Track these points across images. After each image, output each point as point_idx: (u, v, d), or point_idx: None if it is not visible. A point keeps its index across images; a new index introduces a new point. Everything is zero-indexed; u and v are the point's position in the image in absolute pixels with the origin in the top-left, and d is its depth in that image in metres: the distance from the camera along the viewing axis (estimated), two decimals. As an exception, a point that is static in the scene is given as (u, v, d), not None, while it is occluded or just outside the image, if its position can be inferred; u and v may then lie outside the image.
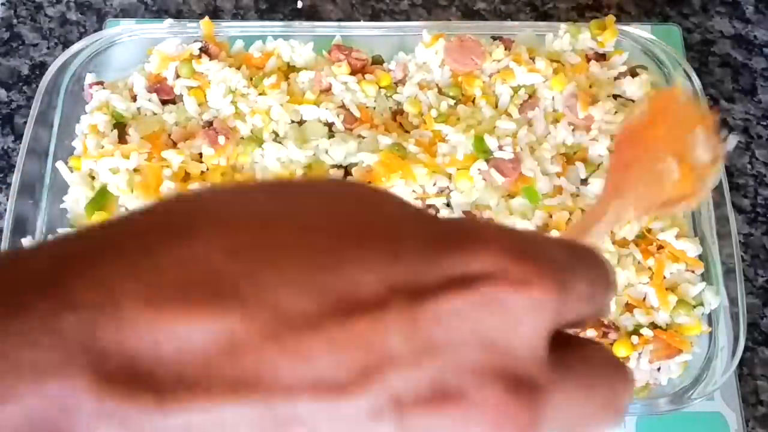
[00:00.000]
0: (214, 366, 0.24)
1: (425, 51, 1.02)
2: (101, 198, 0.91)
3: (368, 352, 0.24)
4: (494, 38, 1.04)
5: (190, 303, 0.24)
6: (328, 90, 1.00)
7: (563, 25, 1.03)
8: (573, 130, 0.95)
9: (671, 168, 0.62)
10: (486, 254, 0.27)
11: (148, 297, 0.25)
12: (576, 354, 0.30)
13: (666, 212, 0.67)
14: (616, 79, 1.00)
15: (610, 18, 1.02)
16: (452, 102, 0.98)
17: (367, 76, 1.00)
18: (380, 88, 0.99)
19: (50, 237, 0.91)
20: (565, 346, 0.29)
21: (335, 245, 0.26)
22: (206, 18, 1.05)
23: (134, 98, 0.99)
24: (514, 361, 0.26)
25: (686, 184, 0.62)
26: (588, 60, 1.01)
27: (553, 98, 0.97)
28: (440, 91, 0.99)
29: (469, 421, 0.25)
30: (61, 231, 0.91)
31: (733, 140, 0.70)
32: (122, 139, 0.94)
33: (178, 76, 1.00)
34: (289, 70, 1.03)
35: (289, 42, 1.03)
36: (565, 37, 1.01)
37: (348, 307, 0.25)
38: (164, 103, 1.00)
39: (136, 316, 0.24)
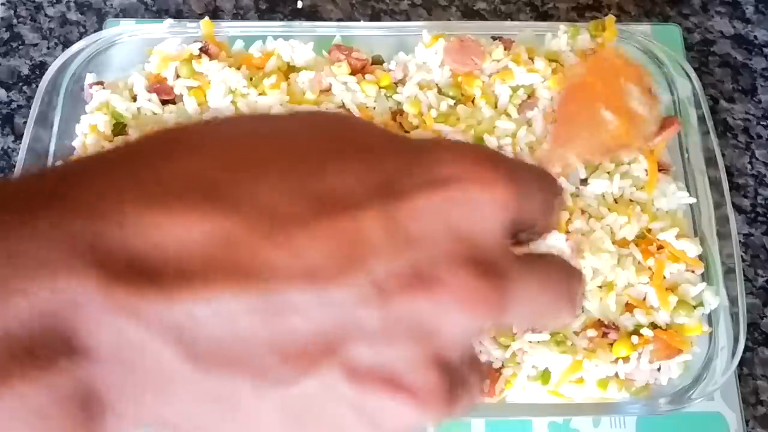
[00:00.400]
0: (213, 260, 0.26)
1: (425, 51, 1.01)
2: None
3: (352, 245, 0.27)
4: (494, 38, 1.04)
5: (188, 205, 0.27)
6: (328, 90, 1.00)
7: (562, 26, 1.03)
8: (573, 130, 0.95)
9: (608, 118, 0.67)
10: (455, 161, 0.30)
11: (148, 201, 0.27)
12: (536, 256, 0.34)
13: (609, 158, 0.76)
14: None
15: (611, 18, 1.02)
16: (452, 102, 0.98)
17: (367, 76, 1.00)
18: (380, 88, 0.99)
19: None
20: (527, 253, 0.34)
21: (317, 158, 0.29)
22: (206, 18, 1.05)
23: (134, 98, 0.99)
24: (482, 250, 0.29)
25: (624, 132, 0.68)
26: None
27: (551, 98, 0.97)
28: (440, 91, 0.99)
29: (445, 303, 0.28)
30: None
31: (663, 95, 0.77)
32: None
33: (178, 76, 1.00)
34: (289, 70, 1.03)
35: (289, 42, 1.03)
36: (563, 38, 1.01)
37: (332, 206, 0.27)
38: (164, 103, 0.99)
39: (137, 217, 0.26)
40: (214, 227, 0.26)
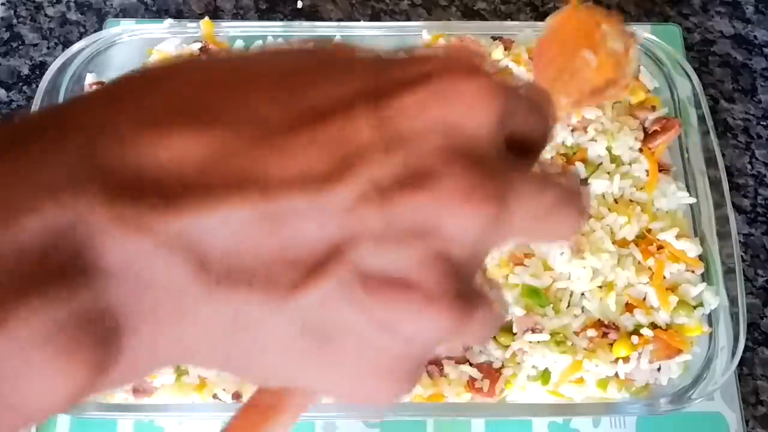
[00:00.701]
0: (212, 172, 0.26)
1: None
2: None
3: (344, 145, 0.27)
4: (494, 38, 1.04)
5: (182, 123, 0.27)
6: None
7: (523, 37, 1.03)
8: (572, 131, 0.95)
9: (587, 58, 0.68)
10: (437, 59, 0.30)
11: (143, 121, 0.27)
12: (537, 168, 0.33)
13: (598, 99, 0.73)
14: None
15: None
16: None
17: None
18: None
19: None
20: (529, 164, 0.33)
21: (304, 72, 0.30)
22: (206, 18, 1.05)
23: (134, 98, 0.99)
24: (476, 142, 0.28)
25: (607, 70, 0.68)
26: None
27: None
28: None
29: (444, 197, 0.27)
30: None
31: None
32: None
33: (178, 76, 1.00)
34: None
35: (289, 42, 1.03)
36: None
37: (321, 112, 0.27)
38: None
39: (134, 135, 0.26)
40: (210, 141, 0.26)
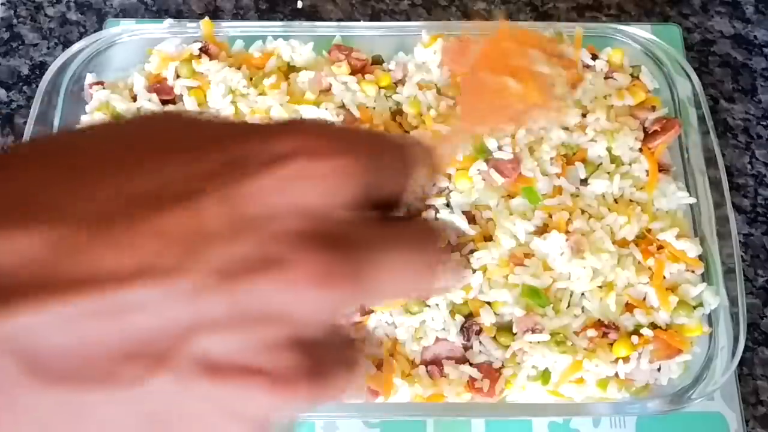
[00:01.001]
0: (44, 270, 0.25)
1: (424, 51, 1.02)
2: None
3: (188, 235, 0.26)
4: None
5: (15, 219, 0.26)
6: (328, 90, 1.00)
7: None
8: (572, 132, 0.95)
9: (509, 84, 0.69)
10: (291, 137, 0.29)
11: None
12: (396, 221, 0.33)
13: (521, 123, 0.79)
14: (606, 78, 1.00)
15: (578, 31, 1.02)
16: (451, 102, 0.98)
17: (366, 76, 1.00)
18: (380, 88, 0.99)
19: None
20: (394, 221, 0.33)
21: (142, 156, 0.29)
22: (206, 18, 1.05)
23: (134, 98, 0.99)
24: (329, 223, 0.28)
25: (533, 95, 0.69)
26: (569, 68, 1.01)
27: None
28: (439, 92, 0.99)
29: (292, 282, 0.26)
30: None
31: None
32: None
33: (178, 76, 1.00)
34: (289, 70, 1.03)
35: (289, 42, 1.03)
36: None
37: (165, 197, 0.27)
38: (164, 103, 0.99)
39: None
40: (41, 239, 0.26)
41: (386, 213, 0.33)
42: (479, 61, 0.74)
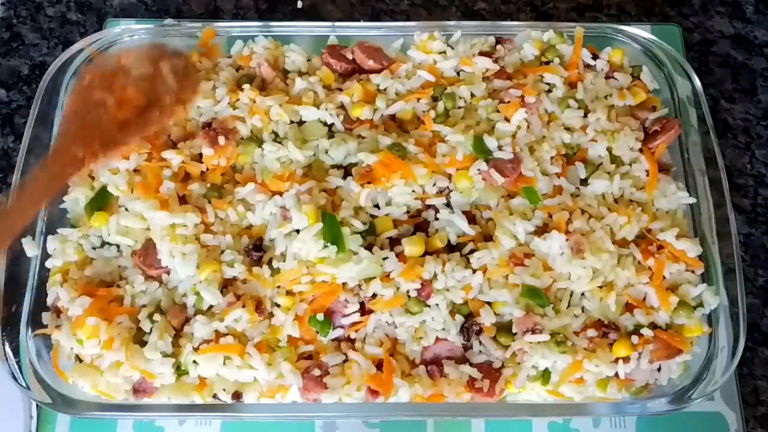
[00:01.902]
0: None
1: (418, 52, 1.02)
2: (101, 198, 0.91)
3: None
4: (496, 39, 1.04)
5: None
6: (331, 88, 1.00)
7: (532, 32, 1.03)
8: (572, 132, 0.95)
9: (105, 101, 0.79)
10: None
11: None
12: None
13: (143, 129, 0.84)
14: (607, 78, 1.00)
15: (579, 31, 1.02)
16: (450, 104, 0.98)
17: (355, 80, 1.00)
18: (366, 103, 0.98)
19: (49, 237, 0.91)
20: None
21: None
22: (208, 26, 1.04)
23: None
24: None
25: (138, 99, 0.79)
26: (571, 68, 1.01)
27: (548, 97, 0.97)
28: (435, 98, 0.99)
29: None
30: (61, 231, 0.91)
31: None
32: None
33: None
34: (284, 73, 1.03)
35: (284, 48, 1.03)
36: (527, 48, 1.02)
37: None
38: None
39: None
40: None
41: None
42: (80, 87, 0.83)
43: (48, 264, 0.90)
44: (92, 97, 0.82)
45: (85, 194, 0.92)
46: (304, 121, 0.97)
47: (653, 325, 0.88)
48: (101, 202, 0.91)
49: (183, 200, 0.92)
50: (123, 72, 0.82)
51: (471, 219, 0.91)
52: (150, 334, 0.85)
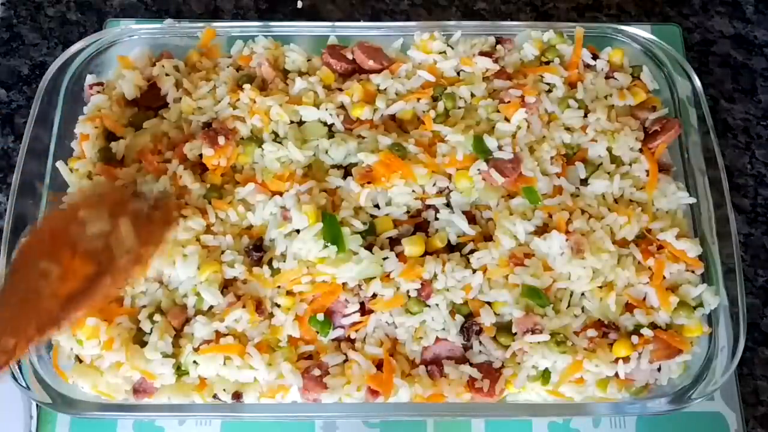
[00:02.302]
0: None
1: (418, 52, 1.02)
2: None
3: None
4: (496, 39, 1.04)
5: None
6: (331, 89, 1.00)
7: (532, 32, 1.03)
8: (572, 132, 0.95)
9: (49, 272, 0.71)
10: None
11: None
12: None
13: (82, 308, 0.75)
14: (607, 78, 1.00)
15: (579, 31, 1.02)
16: (450, 104, 0.98)
17: (355, 80, 1.00)
18: (366, 103, 0.98)
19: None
20: None
21: None
22: (208, 26, 1.04)
23: (126, 103, 1.00)
24: None
25: (93, 260, 0.71)
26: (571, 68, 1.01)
27: (549, 96, 0.97)
28: (435, 98, 0.99)
29: None
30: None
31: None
32: (113, 155, 0.95)
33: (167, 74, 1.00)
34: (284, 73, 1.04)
35: (283, 48, 1.03)
36: (527, 48, 1.02)
37: None
38: (156, 108, 1.00)
39: None
40: None
41: None
42: (22, 256, 0.75)
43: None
44: (35, 265, 0.72)
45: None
46: (304, 121, 0.97)
47: (653, 325, 0.88)
48: None
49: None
50: (78, 225, 0.74)
51: (471, 219, 0.91)
52: (150, 334, 0.85)
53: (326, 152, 0.95)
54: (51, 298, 0.71)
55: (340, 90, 1.00)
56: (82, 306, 0.75)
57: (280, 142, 0.94)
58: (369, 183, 0.91)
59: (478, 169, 0.91)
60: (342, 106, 0.98)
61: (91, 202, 0.78)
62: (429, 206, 0.92)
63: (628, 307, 0.89)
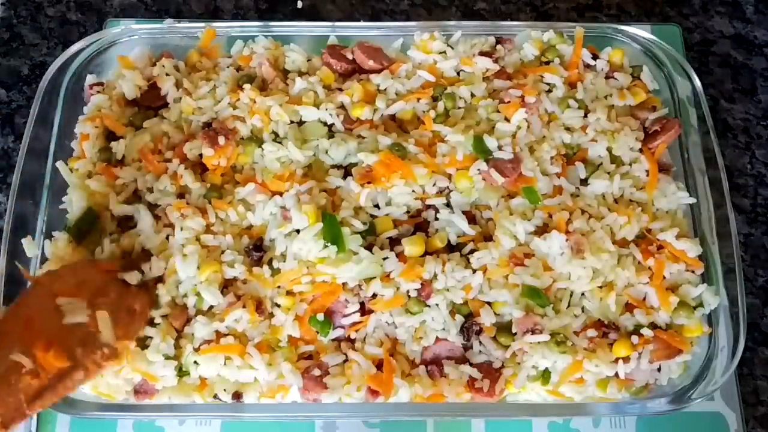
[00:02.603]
0: None
1: (418, 52, 1.02)
2: (86, 220, 0.92)
3: None
4: (496, 39, 1.04)
5: None
6: (332, 89, 1.00)
7: (532, 32, 1.03)
8: (572, 132, 0.95)
9: (19, 367, 0.69)
10: None
11: None
12: None
13: (51, 402, 0.74)
14: (607, 78, 1.00)
15: (579, 31, 1.02)
16: (450, 104, 0.98)
17: (355, 80, 1.00)
18: (366, 103, 0.98)
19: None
20: None
21: None
22: (208, 26, 1.04)
23: (126, 103, 1.00)
24: None
25: (41, 378, 0.69)
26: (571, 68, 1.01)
27: (548, 97, 0.97)
28: (435, 98, 0.99)
29: None
30: (56, 234, 0.91)
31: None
32: (113, 155, 0.95)
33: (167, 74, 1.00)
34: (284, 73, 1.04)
35: (289, 46, 1.03)
36: (527, 48, 1.02)
37: None
38: (156, 108, 1.00)
39: None
40: None
41: None
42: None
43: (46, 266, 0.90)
44: (6, 355, 0.71)
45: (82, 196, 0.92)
46: (304, 121, 0.97)
47: (653, 325, 0.88)
48: (87, 223, 0.92)
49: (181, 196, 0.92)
50: (55, 314, 0.72)
51: (471, 219, 0.91)
52: (152, 337, 0.85)
53: (326, 152, 0.95)
54: (20, 392, 0.70)
55: (340, 90, 1.00)
56: (52, 400, 0.74)
57: (280, 142, 0.94)
58: (369, 183, 0.91)
59: (478, 169, 0.91)
60: (342, 106, 0.98)
61: (71, 288, 0.77)
62: (429, 206, 0.92)
63: (628, 307, 0.89)
